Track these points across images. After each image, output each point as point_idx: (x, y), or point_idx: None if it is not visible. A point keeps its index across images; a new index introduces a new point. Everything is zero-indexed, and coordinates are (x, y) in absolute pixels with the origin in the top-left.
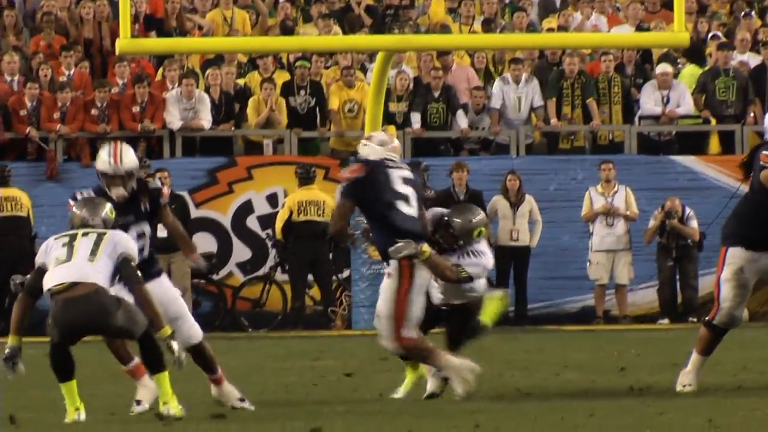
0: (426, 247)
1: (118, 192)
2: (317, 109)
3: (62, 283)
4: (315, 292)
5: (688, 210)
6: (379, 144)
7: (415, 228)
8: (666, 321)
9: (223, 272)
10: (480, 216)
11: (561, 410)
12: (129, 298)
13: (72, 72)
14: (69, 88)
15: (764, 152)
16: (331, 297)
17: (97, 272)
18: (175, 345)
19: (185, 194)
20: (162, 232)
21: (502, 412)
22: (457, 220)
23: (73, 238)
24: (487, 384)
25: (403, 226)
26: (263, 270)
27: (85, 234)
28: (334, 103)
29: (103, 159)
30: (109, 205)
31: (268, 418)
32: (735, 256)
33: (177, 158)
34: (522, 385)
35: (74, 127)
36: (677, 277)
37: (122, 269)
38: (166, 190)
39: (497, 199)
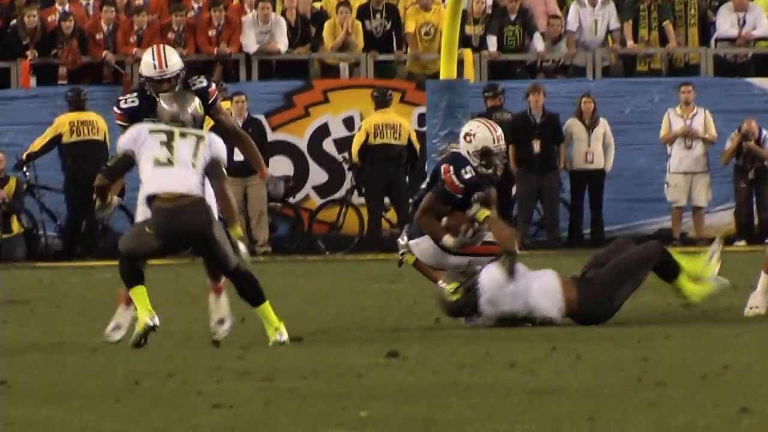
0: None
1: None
2: (393, 32)
3: (169, 193)
4: (391, 215)
5: (764, 132)
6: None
7: None
8: (743, 242)
9: (299, 195)
10: None
11: (638, 333)
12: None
13: None
14: (145, 12)
15: None
16: (407, 220)
17: (199, 183)
18: (242, 246)
19: (261, 117)
20: (238, 156)
21: (578, 334)
22: None
23: (170, 137)
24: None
25: None
26: (340, 193)
27: (182, 135)
28: (410, 26)
29: (148, 63)
30: (197, 100)
31: (345, 341)
32: None
33: (253, 82)
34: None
35: None
36: (754, 198)
37: (211, 168)
38: (214, 88)
39: (572, 122)
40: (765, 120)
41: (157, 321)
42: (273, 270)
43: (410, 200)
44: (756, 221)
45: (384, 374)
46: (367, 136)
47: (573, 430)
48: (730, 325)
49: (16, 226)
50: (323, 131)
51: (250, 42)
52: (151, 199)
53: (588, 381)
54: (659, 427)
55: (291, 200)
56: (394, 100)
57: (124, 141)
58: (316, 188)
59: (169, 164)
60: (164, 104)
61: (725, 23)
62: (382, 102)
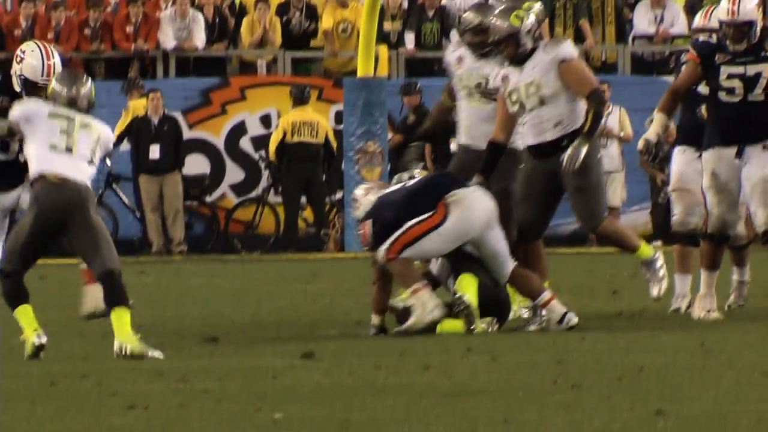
0: None
1: None
2: (311, 28)
3: (61, 176)
4: (308, 214)
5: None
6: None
7: None
8: (659, 243)
9: (216, 194)
10: None
11: (553, 335)
12: None
13: None
14: (63, 8)
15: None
16: (324, 219)
17: (92, 177)
18: None
19: (178, 115)
20: (154, 154)
21: (493, 336)
22: None
23: (71, 125)
24: None
25: None
26: (256, 192)
27: (84, 126)
28: (327, 23)
29: (34, 67)
30: (91, 82)
31: (261, 341)
32: (707, 160)
33: (170, 78)
34: (514, 308)
35: (68, 47)
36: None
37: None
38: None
39: None
40: None
41: (44, 339)
42: (189, 269)
43: (327, 199)
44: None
45: (299, 375)
46: (285, 134)
47: (488, 431)
48: (645, 326)
49: None
50: (240, 129)
51: (167, 38)
52: (37, 180)
53: (503, 383)
54: (574, 428)
55: (207, 199)
56: (311, 98)
57: (16, 115)
58: (232, 187)
59: (68, 152)
60: (59, 86)
61: (642, 21)
62: (300, 99)
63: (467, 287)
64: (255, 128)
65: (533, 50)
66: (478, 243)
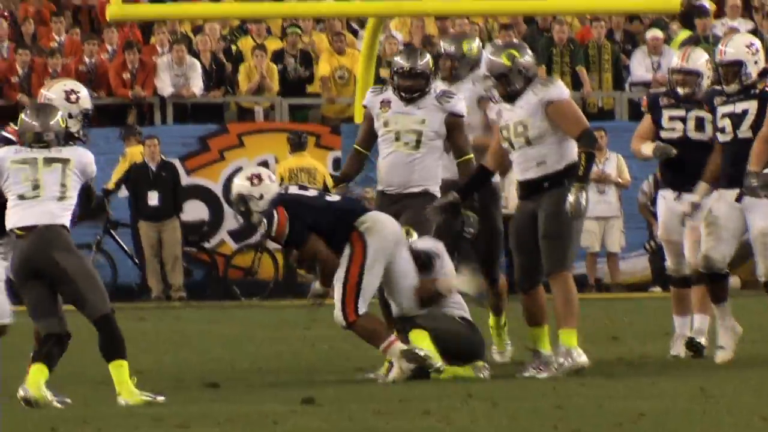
0: None
1: None
2: (306, 75)
3: (26, 228)
4: None
5: None
6: (269, 179)
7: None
8: (658, 289)
9: (214, 240)
10: None
11: (553, 379)
12: None
13: (62, 38)
14: (59, 54)
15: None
16: None
17: (65, 210)
18: None
19: (176, 162)
20: (152, 200)
21: (494, 382)
22: None
23: (34, 168)
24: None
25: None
26: (255, 238)
27: (47, 162)
28: (324, 70)
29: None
30: (60, 113)
31: (261, 387)
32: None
33: (168, 125)
34: (513, 355)
35: None
36: None
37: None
38: None
39: None
40: None
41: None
42: (188, 316)
43: None
44: None
45: (299, 421)
46: (282, 180)
47: None
48: (645, 372)
49: None
50: None
51: (164, 85)
52: (10, 233)
53: (504, 428)
54: None
55: (206, 245)
56: (309, 144)
57: None
58: (231, 233)
59: (35, 198)
60: (27, 119)
61: (640, 67)
62: (297, 145)
63: (421, 341)
64: None
65: (524, 89)
66: (390, 264)
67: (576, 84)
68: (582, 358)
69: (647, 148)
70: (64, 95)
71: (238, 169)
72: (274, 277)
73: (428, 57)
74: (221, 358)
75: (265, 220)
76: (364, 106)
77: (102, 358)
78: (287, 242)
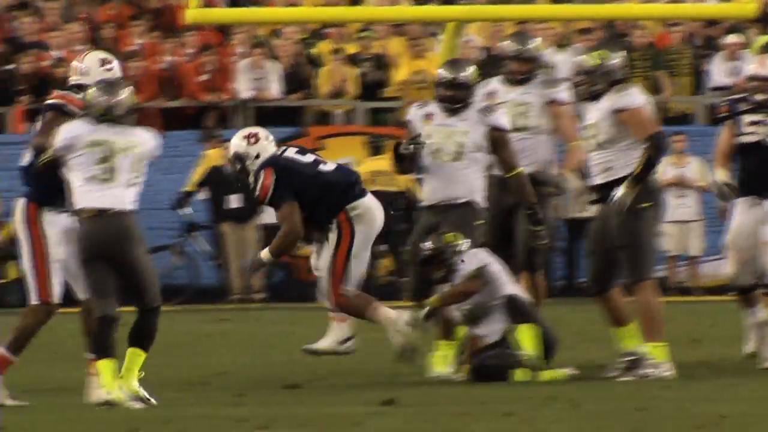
0: None
1: None
2: (382, 78)
3: (100, 210)
4: (388, 261)
5: None
6: (266, 140)
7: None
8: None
9: None
10: None
11: (635, 381)
12: None
13: (140, 41)
14: (139, 57)
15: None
16: (403, 267)
17: (134, 196)
18: None
19: None
20: (232, 203)
21: (576, 384)
22: None
23: (110, 152)
24: (561, 356)
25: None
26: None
27: (123, 150)
28: (403, 73)
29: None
30: (130, 88)
31: (341, 389)
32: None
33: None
34: (596, 356)
35: (144, 96)
36: None
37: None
38: None
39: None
40: None
41: (117, 396)
42: (269, 317)
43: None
44: None
45: (380, 423)
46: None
47: None
48: (727, 375)
49: (12, 272)
50: None
51: (244, 88)
52: (79, 211)
53: (585, 431)
54: None
55: None
56: (387, 147)
57: (60, 144)
58: None
59: (107, 182)
60: (96, 93)
61: (719, 72)
62: (377, 149)
63: (527, 340)
64: None
65: (607, 91)
66: None
67: (655, 89)
68: (668, 372)
69: (720, 174)
70: (99, 63)
71: None
72: None
73: (471, 68)
74: (301, 359)
75: (253, 181)
76: (408, 121)
77: (133, 343)
78: (269, 204)
